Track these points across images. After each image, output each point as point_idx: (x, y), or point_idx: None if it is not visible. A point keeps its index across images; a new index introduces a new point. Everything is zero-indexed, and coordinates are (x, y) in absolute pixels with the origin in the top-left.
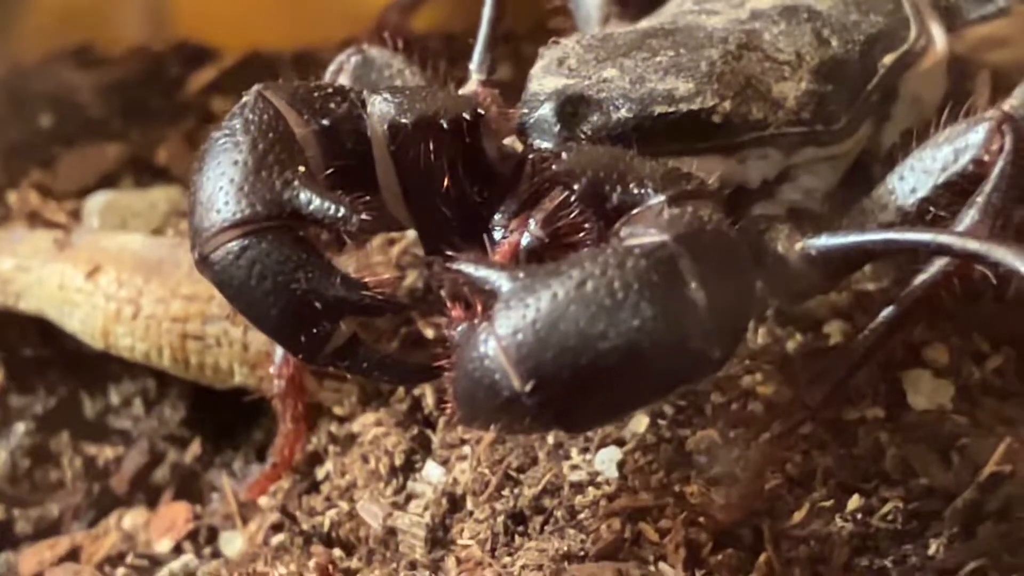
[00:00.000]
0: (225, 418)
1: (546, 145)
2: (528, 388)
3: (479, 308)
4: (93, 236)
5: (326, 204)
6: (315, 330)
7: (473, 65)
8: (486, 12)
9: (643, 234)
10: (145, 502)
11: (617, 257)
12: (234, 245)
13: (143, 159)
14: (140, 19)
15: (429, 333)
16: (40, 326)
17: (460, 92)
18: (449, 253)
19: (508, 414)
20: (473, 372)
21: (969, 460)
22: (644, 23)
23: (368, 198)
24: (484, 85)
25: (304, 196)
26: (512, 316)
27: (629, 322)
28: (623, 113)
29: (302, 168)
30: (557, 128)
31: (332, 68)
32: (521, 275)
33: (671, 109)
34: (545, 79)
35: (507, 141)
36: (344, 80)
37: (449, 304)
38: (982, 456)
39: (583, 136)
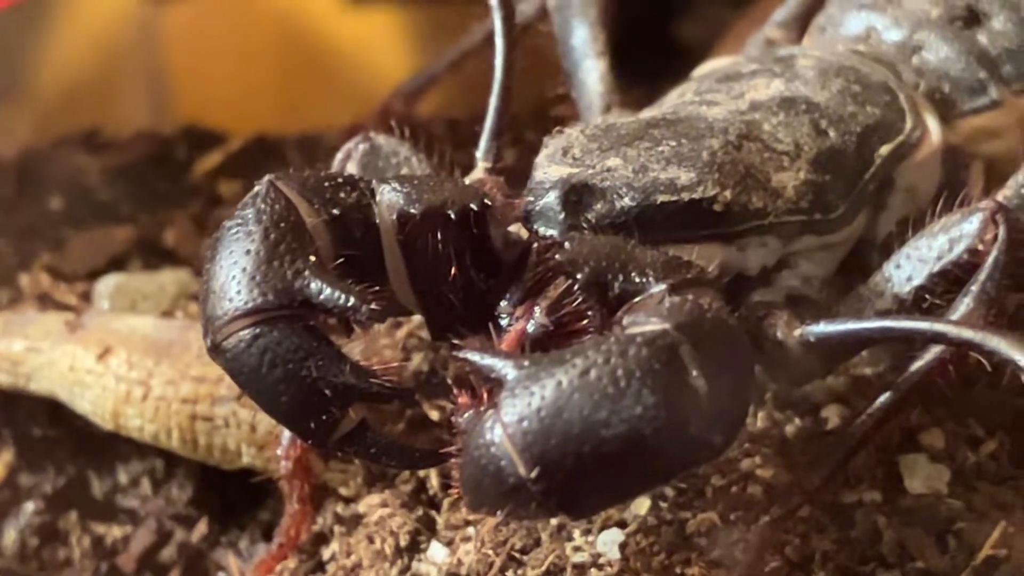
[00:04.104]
0: (232, 498)
1: (551, 233)
2: (534, 475)
3: (485, 395)
4: (103, 318)
5: (336, 294)
6: (324, 417)
7: (479, 153)
8: (492, 102)
9: (645, 322)
10: None
11: (619, 345)
12: (246, 333)
13: (151, 241)
14: (145, 103)
15: (434, 415)
16: (50, 407)
17: (466, 180)
18: (456, 341)
19: (514, 500)
20: (479, 459)
21: (965, 544)
22: (646, 113)
23: (377, 287)
24: (490, 173)
25: (315, 286)
26: (518, 404)
27: (632, 409)
28: (626, 202)
29: (313, 258)
30: (561, 216)
31: (340, 156)
32: (526, 363)
33: (673, 198)
34: (550, 168)
35: (512, 228)
36: (352, 167)
37: (455, 391)
38: (977, 540)
39: (587, 224)
